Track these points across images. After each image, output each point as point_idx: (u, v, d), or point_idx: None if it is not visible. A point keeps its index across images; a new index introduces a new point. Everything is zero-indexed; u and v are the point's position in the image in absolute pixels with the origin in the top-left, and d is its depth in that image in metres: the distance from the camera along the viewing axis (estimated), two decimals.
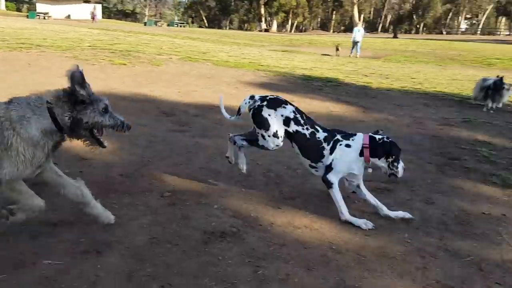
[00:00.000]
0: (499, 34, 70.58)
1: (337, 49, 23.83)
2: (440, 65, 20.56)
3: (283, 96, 8.77)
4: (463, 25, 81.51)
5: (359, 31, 23.52)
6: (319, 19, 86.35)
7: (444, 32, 72.21)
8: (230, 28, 74.80)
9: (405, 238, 3.23)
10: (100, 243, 2.80)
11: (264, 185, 4.06)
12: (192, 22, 75.13)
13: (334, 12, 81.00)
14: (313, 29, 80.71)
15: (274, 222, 3.33)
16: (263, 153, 4.95)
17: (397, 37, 47.84)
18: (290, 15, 73.09)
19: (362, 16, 69.39)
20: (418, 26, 79.87)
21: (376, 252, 3.01)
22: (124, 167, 4.19)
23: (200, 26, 69.28)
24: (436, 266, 2.90)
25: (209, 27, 69.89)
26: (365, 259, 2.92)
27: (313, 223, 3.36)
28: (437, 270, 2.85)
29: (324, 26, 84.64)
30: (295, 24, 78.27)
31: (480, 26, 76.09)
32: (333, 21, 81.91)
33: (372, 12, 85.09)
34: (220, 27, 73.31)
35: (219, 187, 3.92)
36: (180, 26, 61.11)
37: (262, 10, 65.94)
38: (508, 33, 72.91)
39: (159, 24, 59.22)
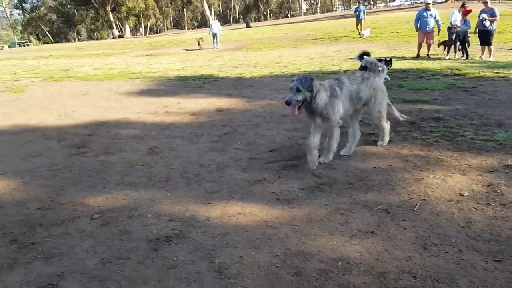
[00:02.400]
0: (336, 10, 78.07)
1: (199, 43, 24.91)
2: (295, 47, 22.23)
3: (168, 99, 8.85)
4: (304, 6, 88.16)
5: (214, 23, 25.03)
6: (171, 18, 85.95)
7: (289, 16, 77.35)
8: (79, 40, 70.39)
9: (323, 202, 3.73)
10: (51, 277, 2.77)
11: (186, 186, 4.24)
12: (39, 40, 68.72)
13: (185, 9, 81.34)
14: (167, 29, 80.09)
15: (210, 216, 3.57)
16: (173, 156, 5.13)
17: (250, 26, 49.95)
18: (142, 18, 71.34)
19: (212, 10, 70.85)
20: (265, 13, 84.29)
21: (305, 220, 3.44)
22: (37, 200, 4.02)
23: (45, 43, 63.77)
24: (354, 218, 3.43)
25: (55, 42, 64.84)
26: (298, 227, 3.33)
27: (244, 208, 3.68)
28: (356, 222, 3.38)
29: (177, 25, 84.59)
30: (148, 26, 76.74)
31: (319, 5, 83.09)
32: (185, 19, 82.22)
33: (221, 5, 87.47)
34: (68, 40, 68.56)
35: (144, 198, 4.00)
36: (24, 46, 56.05)
37: (111, 16, 62.99)
38: (343, 8, 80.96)
39: None
